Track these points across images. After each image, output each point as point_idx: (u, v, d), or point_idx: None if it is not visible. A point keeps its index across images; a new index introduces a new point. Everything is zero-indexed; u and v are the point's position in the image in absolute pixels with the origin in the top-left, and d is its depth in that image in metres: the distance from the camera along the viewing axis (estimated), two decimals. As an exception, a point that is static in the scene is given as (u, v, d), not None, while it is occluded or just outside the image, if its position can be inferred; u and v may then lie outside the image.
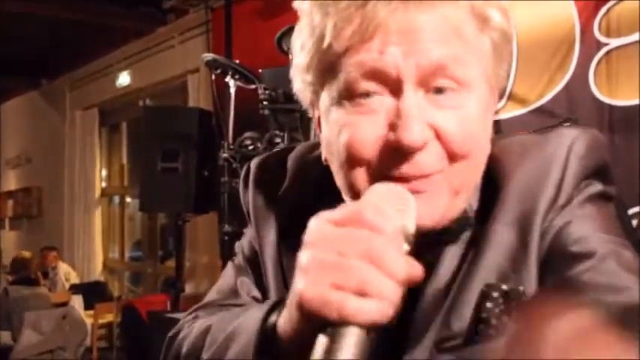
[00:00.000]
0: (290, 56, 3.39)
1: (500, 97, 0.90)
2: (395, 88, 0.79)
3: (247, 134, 3.53)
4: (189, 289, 6.77)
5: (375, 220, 0.68)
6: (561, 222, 0.84)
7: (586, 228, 0.84)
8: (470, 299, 0.80)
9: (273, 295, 0.97)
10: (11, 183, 11.60)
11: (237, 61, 3.76)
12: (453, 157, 0.81)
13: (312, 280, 0.66)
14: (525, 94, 3.97)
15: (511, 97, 4.03)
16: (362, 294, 0.64)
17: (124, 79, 8.45)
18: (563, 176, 0.85)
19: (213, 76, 3.86)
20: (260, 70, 3.63)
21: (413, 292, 0.72)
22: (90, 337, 6.27)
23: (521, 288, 0.75)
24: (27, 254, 7.90)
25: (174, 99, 7.83)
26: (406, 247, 0.72)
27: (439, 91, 0.80)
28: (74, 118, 9.69)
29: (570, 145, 0.86)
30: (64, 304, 6.46)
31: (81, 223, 9.24)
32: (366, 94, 0.81)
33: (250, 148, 3.48)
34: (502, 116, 4.02)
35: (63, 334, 5.89)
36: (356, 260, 0.65)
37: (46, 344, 5.64)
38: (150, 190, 5.29)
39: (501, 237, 0.85)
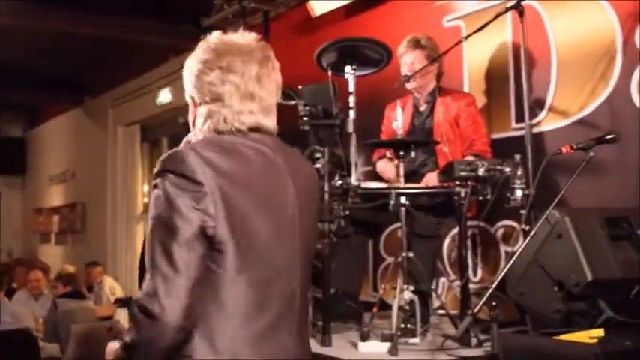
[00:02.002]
0: (329, 72, 3.43)
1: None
2: None
3: (287, 150, 3.56)
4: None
5: None
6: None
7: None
8: None
9: None
10: (56, 199, 11.84)
11: (277, 78, 3.79)
12: None
13: None
14: (566, 107, 3.94)
15: (551, 109, 4.02)
16: None
17: (164, 96, 8.59)
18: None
19: (253, 93, 3.90)
20: (299, 87, 3.67)
21: None
22: (134, 350, 6.34)
23: None
24: (71, 268, 8.03)
25: (214, 115, 7.92)
26: None
27: None
28: (116, 135, 9.87)
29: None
30: (110, 317, 6.55)
31: (124, 237, 9.39)
32: None
33: (291, 163, 3.51)
34: (543, 128, 4.01)
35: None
36: None
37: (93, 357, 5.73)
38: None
39: None
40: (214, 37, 1.74)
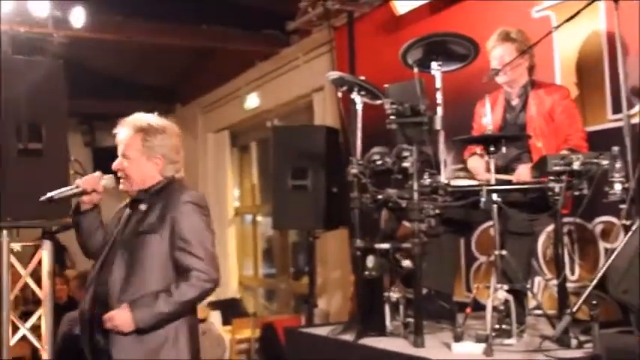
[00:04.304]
0: (415, 70, 3.38)
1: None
2: None
3: (375, 149, 3.53)
4: (322, 304, 6.84)
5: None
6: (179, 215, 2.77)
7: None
8: (141, 221, 2.80)
9: None
10: (150, 205, 12.17)
11: (362, 78, 3.78)
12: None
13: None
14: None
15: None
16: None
17: (252, 101, 8.72)
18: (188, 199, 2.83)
19: (340, 94, 3.90)
20: (385, 86, 3.64)
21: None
22: (228, 351, 6.46)
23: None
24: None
25: (301, 118, 7.99)
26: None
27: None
28: (206, 141, 10.09)
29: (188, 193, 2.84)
30: (203, 320, 6.69)
31: (216, 241, 9.53)
32: None
33: (379, 163, 3.48)
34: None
35: (203, 349, 6.08)
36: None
37: (189, 359, 5.86)
38: (281, 208, 5.42)
39: (157, 207, 2.80)
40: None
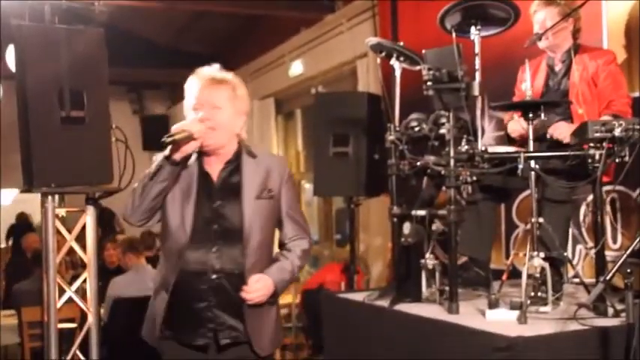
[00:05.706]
0: (454, 35, 3.33)
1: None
2: None
3: (413, 116, 3.50)
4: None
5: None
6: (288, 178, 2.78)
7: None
8: (255, 184, 2.67)
9: None
10: (198, 172, 12.35)
11: (402, 43, 3.73)
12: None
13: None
14: None
15: None
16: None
17: (296, 68, 8.71)
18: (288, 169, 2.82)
19: (379, 60, 3.87)
20: (423, 51, 3.59)
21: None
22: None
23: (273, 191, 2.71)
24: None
25: (345, 85, 7.96)
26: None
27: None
28: (252, 108, 10.11)
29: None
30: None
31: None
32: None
33: (416, 129, 3.45)
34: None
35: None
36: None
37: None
38: (322, 174, 5.43)
39: (262, 169, 2.70)
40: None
